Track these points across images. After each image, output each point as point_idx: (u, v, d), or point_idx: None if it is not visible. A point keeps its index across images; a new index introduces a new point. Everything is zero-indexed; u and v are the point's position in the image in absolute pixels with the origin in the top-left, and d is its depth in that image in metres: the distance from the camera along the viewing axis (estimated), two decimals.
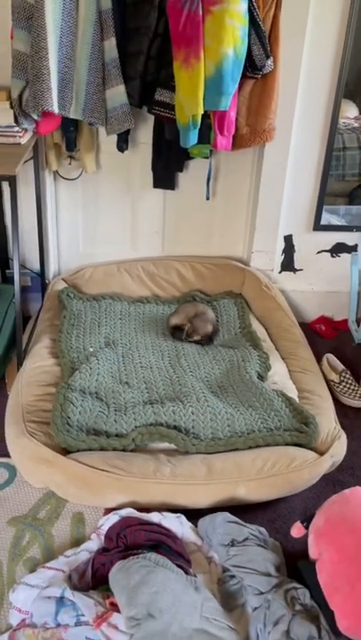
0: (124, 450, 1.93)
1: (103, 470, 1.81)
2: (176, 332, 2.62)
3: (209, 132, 2.50)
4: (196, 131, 2.37)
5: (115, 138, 2.63)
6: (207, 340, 2.59)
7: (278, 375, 2.40)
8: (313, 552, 1.62)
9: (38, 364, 2.29)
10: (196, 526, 1.80)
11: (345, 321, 3.09)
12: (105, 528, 1.74)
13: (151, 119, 2.66)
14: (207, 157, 2.73)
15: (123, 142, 2.65)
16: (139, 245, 3.07)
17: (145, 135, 2.76)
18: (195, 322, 2.59)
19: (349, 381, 2.55)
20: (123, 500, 1.83)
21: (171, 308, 2.87)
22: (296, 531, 1.71)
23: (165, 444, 1.98)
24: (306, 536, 1.67)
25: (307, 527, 1.68)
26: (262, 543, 1.71)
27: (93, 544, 1.73)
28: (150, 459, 1.90)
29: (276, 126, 2.61)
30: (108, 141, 2.72)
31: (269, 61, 2.42)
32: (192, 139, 2.40)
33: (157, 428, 1.99)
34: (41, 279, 2.94)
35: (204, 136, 2.49)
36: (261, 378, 2.37)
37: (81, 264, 3.00)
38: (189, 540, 1.77)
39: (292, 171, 2.80)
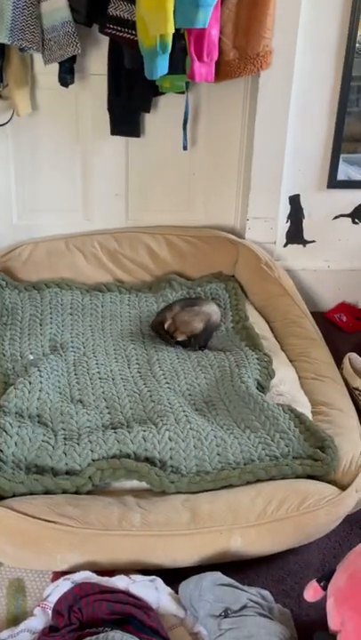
0: (77, 492, 1.92)
1: (49, 521, 1.80)
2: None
3: (184, 57, 2.49)
4: (167, 56, 2.37)
5: (55, 68, 2.61)
6: (195, 342, 2.59)
7: (285, 384, 2.40)
8: (334, 621, 1.62)
9: None
10: (176, 592, 1.80)
11: None
12: (53, 599, 1.72)
13: (105, 42, 2.65)
14: (183, 92, 2.73)
15: (67, 74, 2.63)
16: (93, 213, 3.06)
17: (97, 64, 2.74)
18: (179, 316, 2.60)
19: None
20: (77, 560, 1.82)
21: (139, 297, 2.88)
22: (311, 593, 1.71)
23: (134, 483, 1.98)
24: (324, 600, 1.67)
25: (325, 588, 1.68)
26: (266, 612, 1.70)
27: (37, 621, 1.71)
28: (114, 503, 1.89)
29: (273, 49, 2.61)
30: (46, 73, 2.70)
31: None
32: (161, 67, 2.39)
33: (123, 460, 1.98)
34: None
35: (178, 63, 2.48)
36: (262, 388, 2.37)
37: (15, 240, 2.99)
38: (168, 610, 1.76)
39: (298, 108, 2.80)
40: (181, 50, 2.46)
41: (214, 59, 2.53)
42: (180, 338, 2.58)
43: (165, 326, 2.60)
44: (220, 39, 2.54)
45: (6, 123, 2.80)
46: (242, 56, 2.59)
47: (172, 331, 2.59)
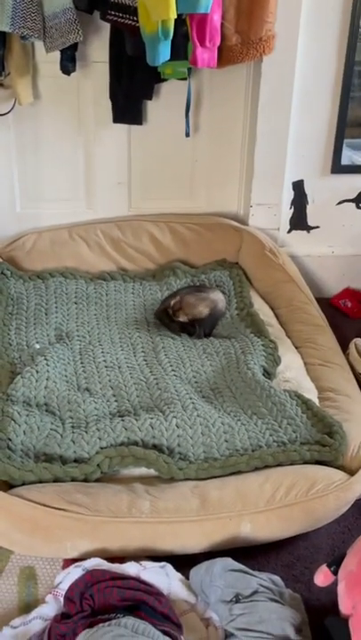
0: (86, 480, 1.92)
1: (59, 509, 1.80)
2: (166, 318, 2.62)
3: (186, 43, 2.48)
4: (169, 42, 2.35)
5: (57, 56, 2.60)
6: (200, 329, 2.58)
7: (291, 370, 2.40)
8: (345, 605, 1.62)
9: None
10: (187, 578, 1.80)
11: None
12: (64, 586, 1.72)
13: (106, 29, 2.64)
14: (185, 79, 2.72)
15: (68, 61, 2.62)
16: (96, 202, 3.05)
17: (99, 51, 2.73)
18: (186, 297, 2.60)
19: None
20: (87, 547, 1.82)
21: (143, 285, 2.88)
22: (322, 578, 1.71)
23: (143, 470, 1.98)
24: (335, 584, 1.67)
25: (335, 572, 1.68)
26: (277, 597, 1.70)
27: (49, 608, 1.71)
28: (123, 490, 1.89)
29: (276, 33, 2.60)
30: (48, 61, 2.69)
31: None
32: (163, 54, 2.37)
33: (131, 448, 1.98)
34: None
35: (180, 49, 2.47)
36: (269, 375, 2.37)
37: (19, 230, 2.99)
38: (179, 596, 1.76)
39: (301, 93, 2.79)
40: (183, 35, 2.45)
41: (217, 44, 2.52)
42: (182, 319, 2.56)
43: (171, 303, 2.59)
44: (222, 24, 2.53)
45: (8, 112, 2.79)
46: (244, 41, 2.59)
47: (176, 309, 2.57)
